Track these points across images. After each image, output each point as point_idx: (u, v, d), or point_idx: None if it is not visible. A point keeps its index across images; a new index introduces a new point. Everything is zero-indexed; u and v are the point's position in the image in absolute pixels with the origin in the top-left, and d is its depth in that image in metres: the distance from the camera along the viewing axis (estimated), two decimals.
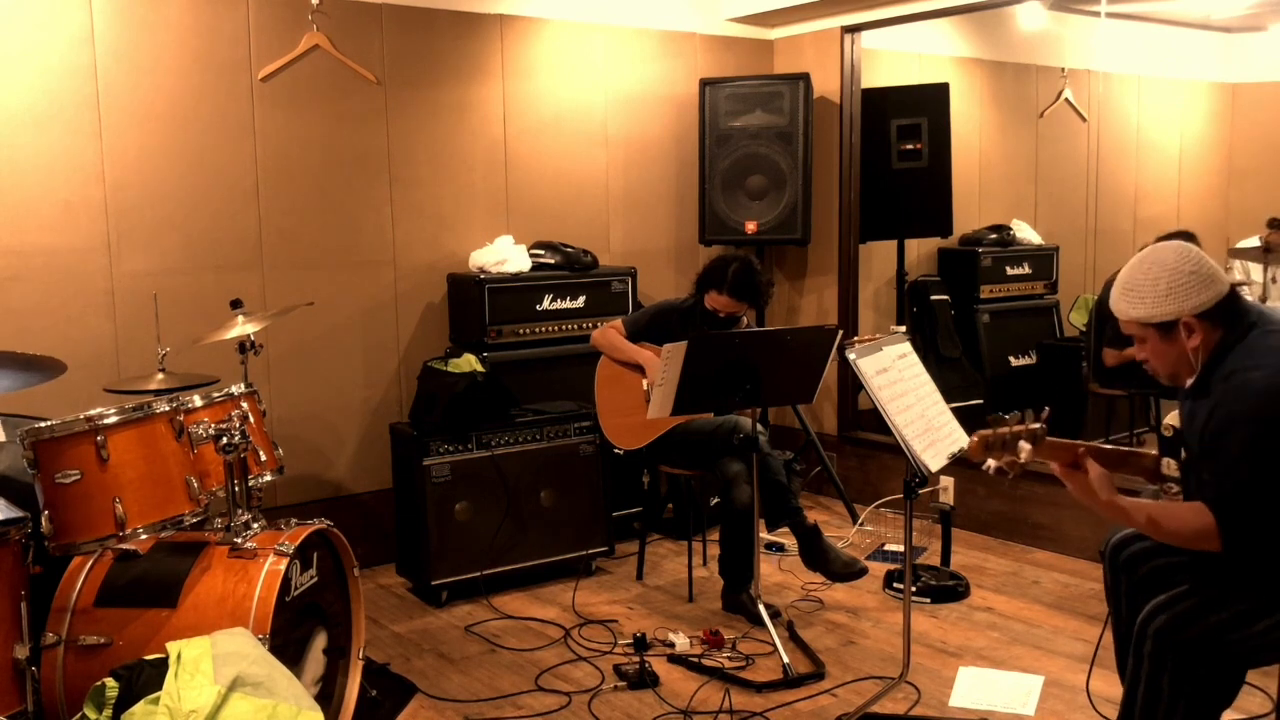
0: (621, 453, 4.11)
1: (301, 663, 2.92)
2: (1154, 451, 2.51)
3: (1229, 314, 2.33)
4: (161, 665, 2.46)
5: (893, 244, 5.78)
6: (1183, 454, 2.46)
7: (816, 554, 3.90)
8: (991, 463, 2.37)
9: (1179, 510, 2.33)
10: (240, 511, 2.92)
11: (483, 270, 4.57)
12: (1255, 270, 4.85)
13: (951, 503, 4.42)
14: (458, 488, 4.10)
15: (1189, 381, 2.41)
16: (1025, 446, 2.31)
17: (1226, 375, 2.30)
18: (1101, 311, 4.98)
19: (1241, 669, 2.34)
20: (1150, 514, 2.34)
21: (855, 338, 3.49)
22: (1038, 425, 2.38)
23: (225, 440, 2.86)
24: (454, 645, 3.76)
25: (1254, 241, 4.64)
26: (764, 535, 4.37)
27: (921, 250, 5.98)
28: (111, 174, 3.92)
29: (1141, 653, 2.33)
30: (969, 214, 5.86)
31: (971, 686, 3.35)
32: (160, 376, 3.26)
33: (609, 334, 4.17)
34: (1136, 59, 5.78)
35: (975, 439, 2.34)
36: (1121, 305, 2.40)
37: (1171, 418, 2.50)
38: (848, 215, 5.43)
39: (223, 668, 2.43)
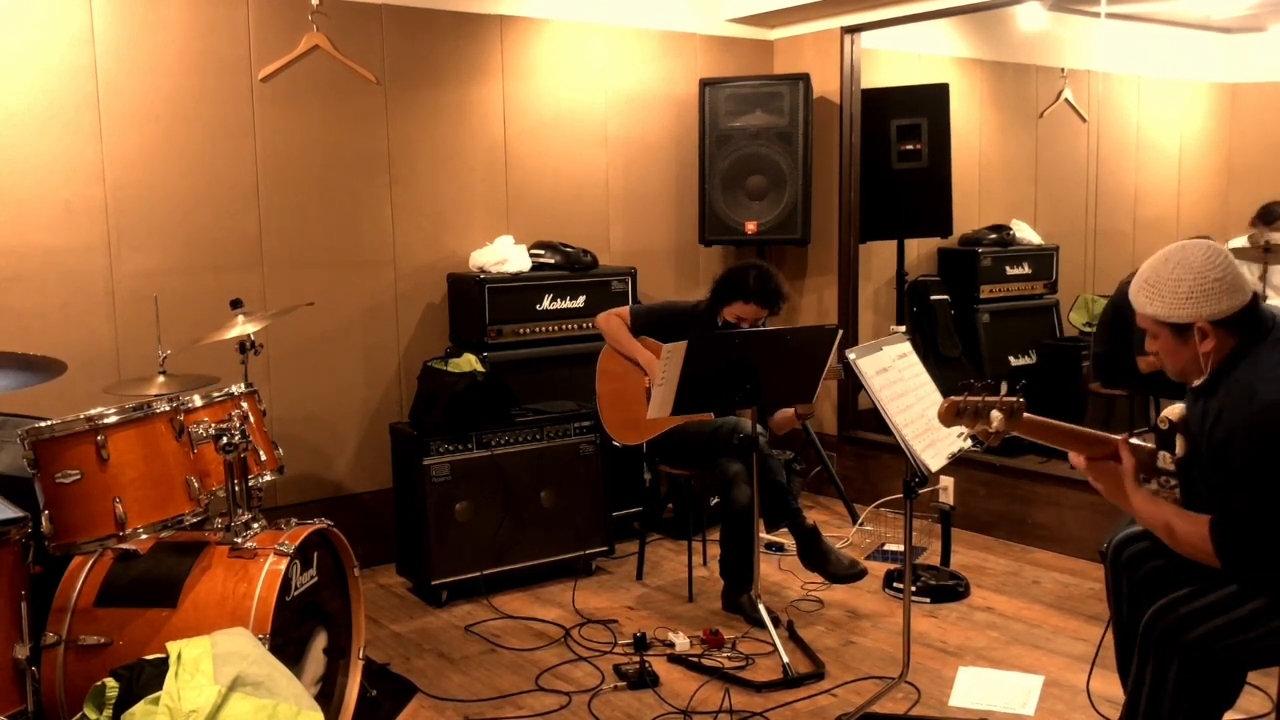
0: (620, 446, 4.11)
1: (301, 662, 2.92)
2: (1151, 445, 2.50)
3: (1246, 323, 2.30)
4: (161, 665, 2.46)
5: (893, 244, 5.78)
6: (1178, 449, 2.45)
7: (816, 555, 3.91)
8: (964, 429, 2.35)
9: (1192, 524, 2.30)
10: (240, 511, 2.92)
11: (483, 270, 4.57)
12: (1245, 270, 4.79)
13: (951, 503, 4.42)
14: (458, 487, 4.10)
15: (1197, 382, 2.40)
16: (997, 415, 2.28)
17: (1234, 383, 2.28)
18: (1120, 314, 4.92)
19: (1245, 670, 2.34)
20: (1169, 521, 2.34)
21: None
22: (1014, 399, 2.35)
23: (225, 440, 2.86)
24: (454, 645, 3.76)
25: (1240, 242, 4.61)
26: (764, 535, 4.37)
27: (921, 250, 5.98)
28: (111, 174, 3.92)
29: (1146, 653, 2.33)
30: (969, 214, 5.86)
31: (971, 686, 3.35)
32: (161, 379, 3.25)
33: (614, 321, 4.15)
34: (1136, 59, 5.78)
35: (946, 403, 2.32)
36: (1140, 299, 2.37)
37: (1170, 410, 2.47)
38: (848, 215, 5.43)
39: (223, 667, 2.43)
